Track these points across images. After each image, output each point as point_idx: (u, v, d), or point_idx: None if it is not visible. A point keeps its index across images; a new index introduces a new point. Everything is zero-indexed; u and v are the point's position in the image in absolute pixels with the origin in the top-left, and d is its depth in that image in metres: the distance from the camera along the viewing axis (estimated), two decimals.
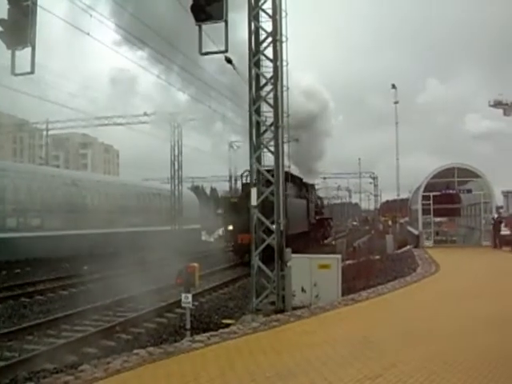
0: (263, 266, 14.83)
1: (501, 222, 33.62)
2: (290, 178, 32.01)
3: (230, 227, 35.34)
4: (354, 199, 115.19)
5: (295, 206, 37.91)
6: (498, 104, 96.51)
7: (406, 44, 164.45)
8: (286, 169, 43.14)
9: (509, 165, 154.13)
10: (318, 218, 50.67)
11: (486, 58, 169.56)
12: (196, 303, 18.07)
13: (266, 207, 15.06)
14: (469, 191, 37.87)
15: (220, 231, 70.69)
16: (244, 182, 36.52)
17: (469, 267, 24.02)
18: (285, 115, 15.35)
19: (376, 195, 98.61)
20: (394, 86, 69.73)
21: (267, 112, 15.32)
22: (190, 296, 12.56)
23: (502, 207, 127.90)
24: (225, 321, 15.63)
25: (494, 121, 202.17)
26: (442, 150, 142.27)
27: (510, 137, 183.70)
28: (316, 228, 49.38)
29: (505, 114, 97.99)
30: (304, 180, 46.09)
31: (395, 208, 79.64)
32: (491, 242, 33.47)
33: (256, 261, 14.76)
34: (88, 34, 18.88)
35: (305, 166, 54.34)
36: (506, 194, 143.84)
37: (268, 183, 15.03)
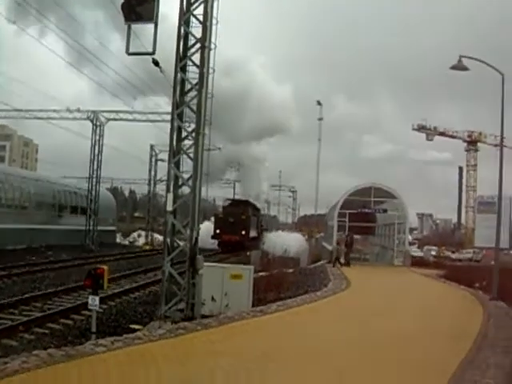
0: (174, 273, 14.69)
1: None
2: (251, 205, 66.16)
3: (218, 230, 58.71)
4: (273, 211, 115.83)
5: (253, 221, 65.22)
6: (421, 128, 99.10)
7: (321, 60, 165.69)
8: (249, 199, 65.67)
9: (422, 188, 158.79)
10: (261, 228, 72.62)
11: (398, 83, 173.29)
12: (105, 306, 17.71)
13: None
14: (384, 211, 38.69)
15: (135, 234, 70.31)
16: (226, 204, 69.44)
17: (378, 285, 24.51)
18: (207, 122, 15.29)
19: (294, 209, 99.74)
20: (319, 103, 70.91)
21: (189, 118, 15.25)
22: (97, 298, 12.30)
23: (416, 229, 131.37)
24: (132, 326, 15.39)
25: (397, 145, 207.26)
26: (353, 168, 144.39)
27: (419, 162, 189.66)
28: (260, 234, 69.65)
29: (427, 138, 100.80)
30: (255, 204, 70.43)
31: (312, 223, 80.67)
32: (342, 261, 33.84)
33: (167, 267, 14.61)
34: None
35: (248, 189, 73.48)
36: (420, 216, 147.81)
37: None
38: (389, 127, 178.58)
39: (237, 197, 75.98)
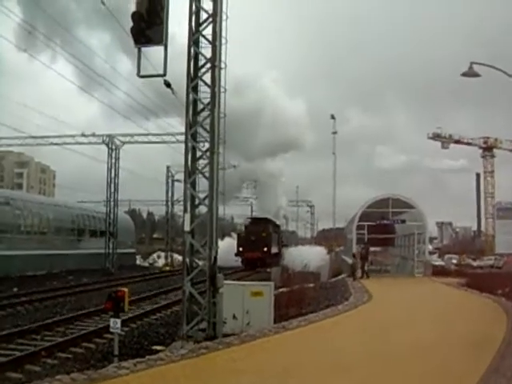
0: (195, 293, 14.70)
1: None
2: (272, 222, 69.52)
3: (241, 248, 61.22)
4: (291, 227, 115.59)
5: (274, 237, 67.92)
6: (436, 137, 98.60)
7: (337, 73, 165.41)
8: (269, 216, 68.02)
9: (440, 196, 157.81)
10: (282, 244, 75.35)
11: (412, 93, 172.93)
12: (126, 329, 17.73)
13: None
14: (403, 222, 38.48)
15: (155, 255, 70.58)
16: (247, 223, 70.88)
17: (399, 296, 24.36)
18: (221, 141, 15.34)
19: (312, 224, 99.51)
20: (332, 117, 70.77)
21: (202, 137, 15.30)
22: (118, 321, 12.32)
23: (436, 238, 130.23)
24: (155, 347, 15.40)
25: (412, 154, 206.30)
26: (369, 180, 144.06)
27: (435, 171, 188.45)
28: (281, 250, 71.93)
29: (443, 146, 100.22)
30: (275, 221, 73.55)
31: (331, 237, 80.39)
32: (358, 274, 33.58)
33: (187, 287, 14.62)
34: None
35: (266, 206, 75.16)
36: (439, 225, 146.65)
37: None
38: (403, 137, 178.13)
39: (254, 214, 77.45)
